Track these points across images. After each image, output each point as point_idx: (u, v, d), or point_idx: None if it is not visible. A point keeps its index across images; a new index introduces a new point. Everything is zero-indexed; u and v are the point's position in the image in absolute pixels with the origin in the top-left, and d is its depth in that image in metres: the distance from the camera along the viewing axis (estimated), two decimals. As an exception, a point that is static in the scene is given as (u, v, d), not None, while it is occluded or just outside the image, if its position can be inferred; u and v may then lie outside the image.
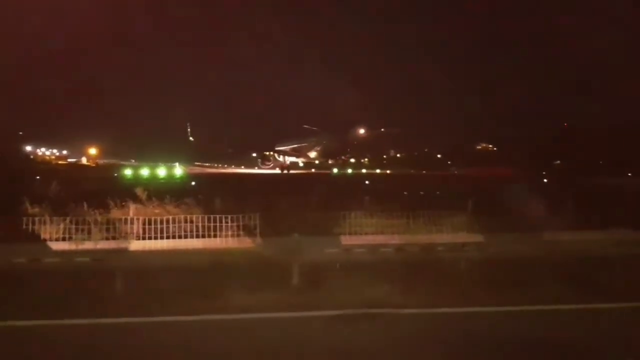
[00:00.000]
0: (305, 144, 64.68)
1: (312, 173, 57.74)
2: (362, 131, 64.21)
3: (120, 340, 6.58)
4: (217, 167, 67.95)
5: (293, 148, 64.97)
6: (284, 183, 38.85)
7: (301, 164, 65.25)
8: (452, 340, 6.52)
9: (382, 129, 65.58)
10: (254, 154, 68.00)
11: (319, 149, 64.61)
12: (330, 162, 63.90)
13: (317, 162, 65.00)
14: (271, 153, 65.63)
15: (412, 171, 63.48)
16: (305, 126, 63.67)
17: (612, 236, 12.72)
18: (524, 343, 6.48)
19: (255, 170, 60.57)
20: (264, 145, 66.79)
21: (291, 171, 58.29)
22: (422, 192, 22.77)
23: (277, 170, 59.59)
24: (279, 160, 64.31)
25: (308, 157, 65.43)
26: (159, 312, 7.54)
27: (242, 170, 63.07)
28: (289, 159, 64.59)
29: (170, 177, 45.80)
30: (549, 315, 7.76)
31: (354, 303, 7.92)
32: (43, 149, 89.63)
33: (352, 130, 64.45)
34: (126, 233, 12.62)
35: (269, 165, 64.50)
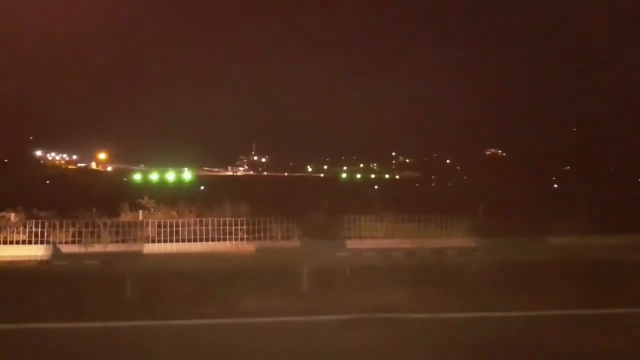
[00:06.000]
0: (244, 161, 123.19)
1: (249, 175, 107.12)
2: (256, 158, 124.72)
3: (131, 343, 6.53)
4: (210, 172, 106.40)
5: (240, 162, 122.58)
6: (251, 184, 52.20)
7: (242, 171, 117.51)
8: (462, 346, 6.40)
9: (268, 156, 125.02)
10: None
11: (247, 164, 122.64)
12: (260, 169, 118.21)
13: (247, 171, 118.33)
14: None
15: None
16: (241, 157, 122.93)
17: (625, 241, 12.56)
18: (535, 349, 6.35)
19: (222, 173, 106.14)
20: (228, 158, 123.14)
21: (238, 174, 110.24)
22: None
23: (231, 173, 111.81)
24: (234, 169, 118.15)
25: (246, 167, 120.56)
26: (165, 316, 7.50)
27: (218, 173, 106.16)
28: (239, 168, 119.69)
29: (180, 181, 46.34)
30: (560, 320, 7.61)
31: (364, 307, 7.85)
32: (53, 154, 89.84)
33: (253, 155, 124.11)
34: (135, 236, 12.64)
35: (229, 171, 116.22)
